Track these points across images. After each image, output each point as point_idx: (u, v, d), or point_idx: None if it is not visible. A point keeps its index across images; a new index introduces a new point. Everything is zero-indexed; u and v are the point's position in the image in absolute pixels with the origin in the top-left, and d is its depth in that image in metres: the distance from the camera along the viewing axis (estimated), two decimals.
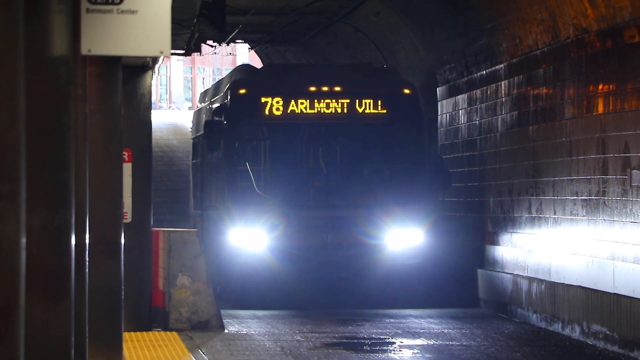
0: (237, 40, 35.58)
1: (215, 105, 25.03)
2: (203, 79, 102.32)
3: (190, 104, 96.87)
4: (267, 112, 22.71)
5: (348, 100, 22.90)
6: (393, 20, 30.21)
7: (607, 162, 19.60)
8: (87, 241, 11.75)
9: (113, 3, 9.61)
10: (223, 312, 21.11)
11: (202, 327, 20.50)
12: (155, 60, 19.91)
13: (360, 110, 22.97)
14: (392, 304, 22.81)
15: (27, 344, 4.90)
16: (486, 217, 25.86)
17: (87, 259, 11.67)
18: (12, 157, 4.71)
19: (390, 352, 18.93)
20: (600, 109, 19.79)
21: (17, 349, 4.78)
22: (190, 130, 34.69)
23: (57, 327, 8.29)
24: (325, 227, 22.30)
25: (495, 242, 25.25)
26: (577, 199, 20.74)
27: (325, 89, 23.02)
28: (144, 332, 19.34)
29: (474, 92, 26.85)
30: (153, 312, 20.39)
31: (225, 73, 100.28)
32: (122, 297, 16.81)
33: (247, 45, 36.83)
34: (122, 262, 16.94)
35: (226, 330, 20.89)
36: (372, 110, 23.04)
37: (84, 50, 9.67)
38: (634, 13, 17.82)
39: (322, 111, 22.85)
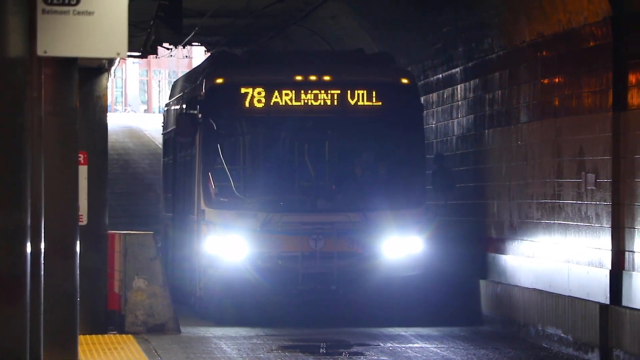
0: (193, 43, 35.00)
1: (188, 97, 22.79)
2: (159, 81, 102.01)
3: (145, 107, 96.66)
4: (247, 104, 20.42)
5: (339, 91, 20.57)
6: (350, 24, 29.69)
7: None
8: (42, 244, 11.66)
9: (69, 4, 9.56)
10: (196, 329, 20.23)
11: (158, 330, 20.42)
12: (111, 62, 19.85)
13: (352, 102, 20.60)
14: (388, 321, 20.44)
15: None
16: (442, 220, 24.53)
17: (43, 262, 11.57)
18: None
19: None
20: (555, 112, 19.49)
21: None
22: (162, 125, 31.73)
23: (12, 330, 8.25)
24: (314, 233, 19.99)
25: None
26: (532, 202, 20.51)
27: (313, 78, 20.76)
28: (100, 335, 19.26)
29: (431, 95, 26.39)
30: (109, 315, 20.28)
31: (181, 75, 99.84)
32: (78, 300, 16.72)
33: (203, 48, 36.55)
34: (78, 265, 16.85)
35: (183, 333, 20.71)
36: (366, 102, 20.64)
37: (40, 52, 9.63)
38: (588, 18, 17.72)
39: (309, 103, 20.55)
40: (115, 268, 20.76)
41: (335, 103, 20.53)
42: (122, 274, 20.71)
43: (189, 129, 20.55)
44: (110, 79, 21.54)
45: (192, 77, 24.83)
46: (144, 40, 23.47)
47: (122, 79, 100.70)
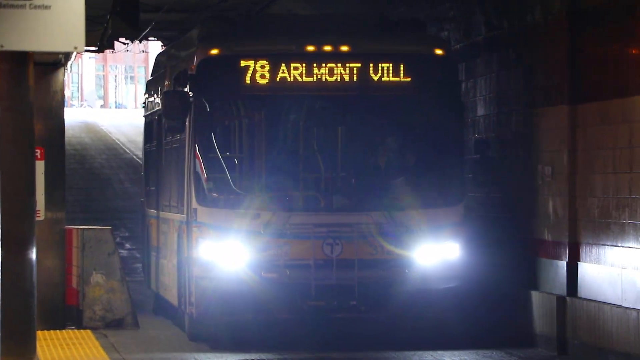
0: (150, 38, 34.33)
1: (177, 71, 18.86)
2: (115, 76, 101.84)
3: (102, 102, 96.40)
4: (248, 79, 16.54)
5: (359, 65, 16.60)
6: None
7: None
8: None
9: None
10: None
11: (116, 325, 20.35)
12: (68, 57, 19.75)
13: (375, 78, 16.59)
14: (420, 344, 16.67)
15: None
16: None
17: None
18: None
19: None
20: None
21: None
22: (143, 105, 26.99)
23: None
24: (329, 237, 16.14)
25: None
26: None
27: (327, 48, 16.76)
28: (58, 331, 19.17)
29: None
30: (67, 310, 20.19)
31: (137, 71, 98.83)
32: (35, 295, 16.63)
33: (159, 43, 36.28)
34: (35, 261, 16.75)
35: (141, 328, 20.62)
36: (392, 78, 16.57)
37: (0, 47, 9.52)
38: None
39: (323, 79, 16.57)
40: (73, 263, 20.69)
41: (355, 79, 16.75)
42: (80, 269, 20.63)
43: (178, 110, 16.93)
44: (66, 73, 21.43)
45: (181, 47, 20.87)
46: (100, 35, 23.14)
47: (78, 74, 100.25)
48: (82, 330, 19.72)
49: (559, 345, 16.98)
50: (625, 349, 14.90)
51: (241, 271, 16.35)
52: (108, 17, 21.82)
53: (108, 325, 20.29)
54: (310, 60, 16.78)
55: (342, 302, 16.35)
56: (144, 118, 26.57)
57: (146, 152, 25.31)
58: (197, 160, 16.68)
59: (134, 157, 51.04)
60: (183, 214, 17.71)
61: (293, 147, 17.11)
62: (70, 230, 20.93)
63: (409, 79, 16.91)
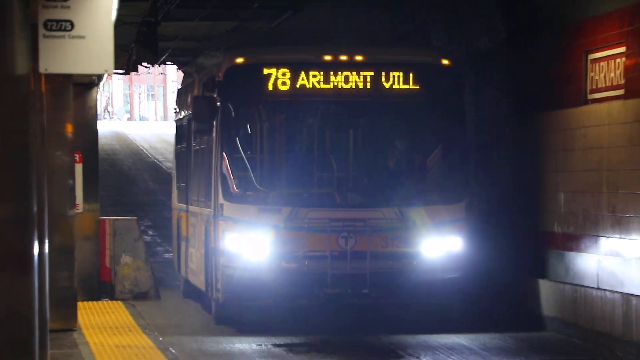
0: (167, 62, 34.01)
1: (205, 78, 17.67)
2: (139, 94, 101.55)
3: (129, 115, 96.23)
4: (270, 86, 15.45)
5: (372, 73, 15.50)
6: None
7: None
8: (45, 228, 11.63)
9: (65, 30, 9.50)
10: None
11: (142, 297, 20.51)
12: (100, 78, 19.79)
13: (387, 85, 15.54)
14: (426, 327, 15.69)
15: (4, 311, 4.82)
16: None
17: (47, 241, 11.52)
18: None
19: None
20: None
21: None
22: (174, 111, 25.40)
23: (22, 297, 8.23)
24: (344, 231, 15.15)
25: None
26: None
27: (343, 58, 15.65)
28: (95, 302, 19.25)
29: None
30: (101, 285, 20.28)
31: (157, 90, 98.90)
32: (75, 272, 16.77)
33: (175, 67, 36.09)
34: (75, 246, 16.93)
35: (162, 300, 20.83)
36: (402, 86, 15.55)
37: (41, 70, 9.59)
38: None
39: (339, 86, 15.47)
40: (106, 247, 20.76)
41: (368, 86, 15.61)
42: (111, 251, 20.76)
43: (206, 114, 15.79)
44: (99, 92, 21.46)
45: (209, 57, 20.08)
46: (126, 60, 23.18)
47: (108, 92, 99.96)
48: (114, 301, 19.80)
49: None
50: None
51: (263, 261, 15.35)
52: (133, 45, 21.86)
53: (135, 297, 20.40)
54: (328, 68, 15.67)
55: (355, 290, 15.33)
56: (175, 122, 25.49)
57: (177, 153, 23.93)
58: (223, 160, 15.69)
59: (155, 160, 50.97)
60: (210, 208, 16.61)
61: (311, 148, 16.06)
62: (104, 220, 21.02)
63: (417, 87, 15.86)
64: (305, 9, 20.94)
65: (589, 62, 16.23)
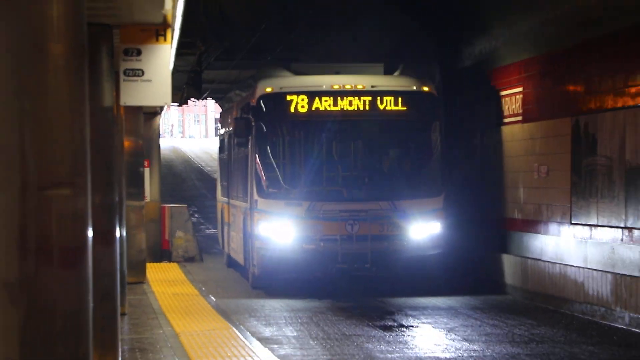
0: (207, 98, 34.12)
1: (243, 103, 16.94)
2: (188, 120, 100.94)
3: (181, 134, 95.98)
4: (292, 109, 14.91)
5: (370, 98, 14.98)
6: None
7: None
8: (124, 212, 11.68)
9: (138, 75, 9.52)
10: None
11: (190, 260, 20.61)
12: (161, 108, 19.92)
13: (381, 107, 14.95)
14: (414, 292, 15.13)
15: (94, 270, 4.87)
16: None
17: (125, 222, 11.56)
18: (83, 164, 4.66)
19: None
20: None
21: (88, 274, 4.75)
22: (217, 128, 24.74)
23: (109, 261, 8.26)
24: (350, 219, 14.54)
25: None
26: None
27: (348, 87, 15.05)
28: (158, 263, 19.39)
29: None
30: (163, 252, 20.42)
31: (200, 117, 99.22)
32: (144, 243, 16.88)
33: (213, 100, 36.17)
34: (144, 224, 17.05)
35: (204, 262, 20.91)
36: (393, 107, 14.96)
37: (121, 103, 9.64)
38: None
39: (345, 108, 14.93)
40: (166, 226, 20.86)
41: (367, 108, 14.99)
42: (169, 229, 20.86)
43: (244, 130, 15.13)
44: (160, 118, 21.58)
45: (244, 87, 18.83)
46: (180, 96, 23.28)
47: (167, 118, 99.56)
48: (171, 263, 19.91)
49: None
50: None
51: (288, 244, 14.59)
52: (184, 86, 21.96)
53: (185, 260, 20.50)
54: (336, 95, 14.95)
55: (359, 265, 14.53)
56: (218, 137, 24.08)
57: (219, 160, 22.72)
58: (257, 165, 15.02)
59: (199, 166, 51.04)
60: (247, 203, 15.81)
61: (324, 156, 15.16)
62: (164, 207, 21.08)
63: (404, 108, 15.08)
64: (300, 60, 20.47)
65: (501, 97, 16.42)
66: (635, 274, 12.17)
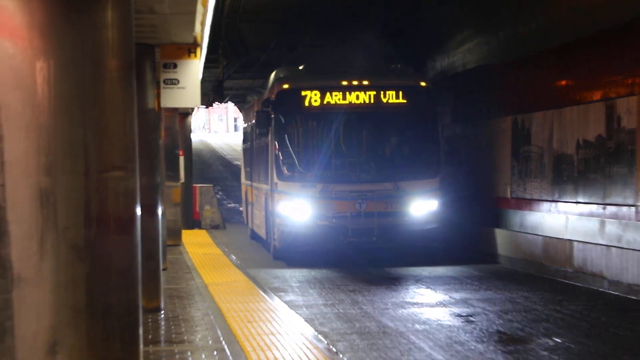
0: (228, 101, 33.98)
1: (263, 99, 15.24)
2: (213, 119, 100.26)
3: (208, 130, 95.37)
4: (306, 103, 13.54)
5: (374, 92, 13.61)
6: None
7: None
8: (163, 190, 11.64)
9: (174, 84, 9.44)
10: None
11: (215, 228, 20.66)
12: (192, 109, 19.84)
13: (384, 100, 13.59)
14: (415, 262, 13.72)
15: (141, 235, 4.85)
16: None
17: (164, 198, 11.51)
18: (132, 152, 4.43)
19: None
20: None
21: (137, 238, 4.55)
22: (243, 121, 22.23)
23: (153, 229, 8.24)
24: (359, 199, 13.18)
25: None
26: None
27: (355, 82, 13.61)
28: (190, 230, 19.39)
29: None
30: (194, 221, 20.43)
31: (222, 116, 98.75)
32: (180, 214, 16.87)
33: (232, 103, 36.03)
34: (181, 201, 17.04)
35: (227, 229, 20.80)
36: (394, 100, 13.60)
37: (162, 105, 9.60)
38: None
39: (353, 101, 13.54)
40: (196, 201, 20.86)
41: (372, 101, 13.60)
42: (199, 203, 20.86)
43: (264, 122, 13.76)
44: (192, 116, 21.54)
45: (264, 85, 17.09)
46: (207, 100, 23.22)
47: (196, 116, 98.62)
48: (200, 230, 19.94)
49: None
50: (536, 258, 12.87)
51: (305, 220, 13.26)
52: (210, 92, 21.92)
53: (212, 228, 20.53)
54: (344, 90, 13.54)
55: (367, 238, 13.23)
56: (242, 129, 22.14)
57: (243, 150, 20.88)
58: (276, 153, 13.57)
59: (222, 155, 50.90)
60: (268, 185, 14.39)
61: (335, 143, 13.66)
62: (195, 187, 21.08)
63: (405, 101, 13.63)
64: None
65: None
66: (559, 236, 12.16)
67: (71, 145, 4.37)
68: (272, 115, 13.74)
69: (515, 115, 13.74)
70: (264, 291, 9.91)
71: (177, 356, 6.12)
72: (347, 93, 13.62)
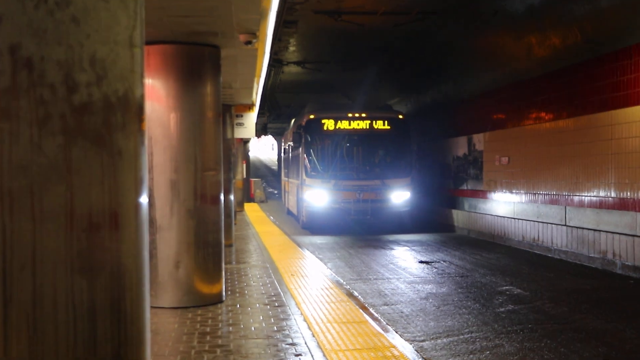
0: (269, 134, 32.25)
1: (296, 124, 13.44)
2: (261, 143, 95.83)
3: (258, 150, 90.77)
4: (325, 127, 11.86)
5: (370, 121, 11.91)
6: None
7: None
8: (232, 184, 11.00)
9: (241, 125, 9.25)
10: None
11: (262, 202, 19.31)
12: (250, 139, 19.26)
13: (376, 126, 11.86)
14: (394, 231, 11.49)
15: (224, 205, 4.78)
16: None
17: (233, 190, 10.97)
18: (219, 161, 4.28)
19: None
20: None
21: (221, 207, 4.43)
22: (283, 141, 18.47)
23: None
24: (359, 190, 11.35)
25: None
26: None
27: (357, 115, 11.91)
28: (248, 203, 18.32)
29: None
30: (250, 198, 19.19)
31: (266, 142, 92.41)
32: (242, 195, 16.37)
33: (271, 136, 34.65)
34: (242, 186, 16.62)
35: (268, 203, 19.21)
36: (382, 127, 11.88)
37: (235, 136, 9.27)
38: None
39: (355, 127, 11.86)
40: (252, 187, 20.40)
41: (367, 127, 11.87)
42: (253, 189, 20.31)
43: (298, 139, 12.03)
44: (250, 142, 20.93)
45: (298, 116, 14.85)
46: (258, 134, 21.70)
47: (252, 142, 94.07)
48: (253, 203, 18.83)
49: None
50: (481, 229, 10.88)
51: (323, 204, 11.46)
52: (260, 130, 21.19)
53: (260, 202, 19.37)
54: (350, 119, 11.85)
55: (364, 216, 11.43)
56: (279, 148, 20.95)
57: (278, 159, 19.74)
58: (304, 160, 11.86)
59: (266, 163, 48.58)
60: (299, 180, 12.55)
61: (343, 154, 11.89)
62: (251, 180, 20.47)
63: (389, 127, 11.86)
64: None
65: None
66: (466, 210, 11.05)
67: (187, 157, 4.55)
68: (303, 135, 12.43)
69: (449, 138, 12.52)
70: (295, 240, 9.12)
71: (242, 270, 6.20)
72: (351, 121, 12.34)
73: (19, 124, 0.75)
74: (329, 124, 12.39)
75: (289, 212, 16.20)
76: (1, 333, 0.75)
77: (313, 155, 12.44)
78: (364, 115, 12.50)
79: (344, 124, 12.41)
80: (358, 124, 12.46)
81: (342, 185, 12.16)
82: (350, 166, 12.50)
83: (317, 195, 12.16)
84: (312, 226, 12.69)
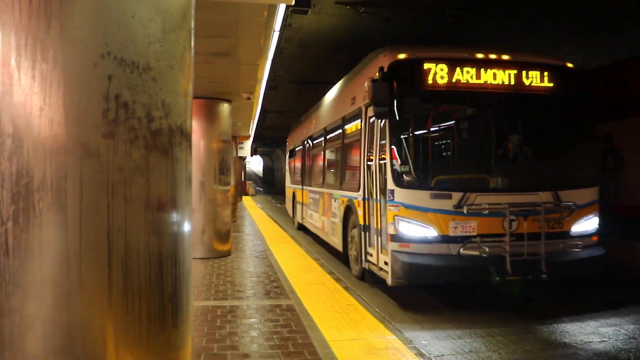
0: (258, 154, 28.86)
1: (358, 79, 2.51)
2: (253, 159, 74.22)
3: (250, 163, 59.72)
4: (432, 80, 1.71)
5: (516, 71, 1.75)
6: None
7: None
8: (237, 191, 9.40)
9: (241, 148, 8.62)
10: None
11: (254, 195, 15.43)
12: (246, 157, 16.13)
13: (527, 83, 1.71)
14: (587, 309, 1.91)
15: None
16: None
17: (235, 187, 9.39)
18: (230, 170, 4.01)
19: None
20: None
21: (230, 196, 4.31)
22: (287, 145, 7.29)
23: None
24: (512, 214, 1.63)
25: None
26: None
27: (492, 56, 1.75)
28: (245, 196, 15.11)
29: None
30: (246, 193, 15.43)
31: (257, 159, 51.85)
32: (239, 191, 12.78)
33: (259, 155, 31.72)
34: (241, 187, 13.23)
35: (256, 195, 16.02)
36: (544, 84, 1.69)
37: (238, 155, 8.98)
38: None
39: (492, 82, 1.72)
40: (247, 186, 15.89)
41: (513, 82, 1.90)
42: (248, 187, 16.24)
43: (357, 115, 2.65)
44: (246, 159, 19.26)
45: (352, 70, 3.34)
46: (251, 153, 17.78)
47: (248, 158, 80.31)
48: (248, 196, 15.52)
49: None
50: None
51: (438, 245, 2.26)
52: (253, 151, 18.66)
53: (251, 195, 15.78)
54: (481, 64, 2.24)
55: (529, 274, 2.23)
56: (288, 151, 7.17)
57: (288, 163, 7.02)
58: (392, 150, 2.26)
59: (255, 173, 37.76)
60: (361, 192, 2.96)
61: (477, 139, 2.27)
62: (246, 182, 15.81)
63: (551, 84, 2.23)
64: None
65: None
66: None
67: (210, 167, 4.78)
68: (385, 92, 2.25)
69: None
70: (274, 218, 6.96)
71: (242, 236, 6.33)
72: (486, 69, 2.36)
73: (118, 141, 0.86)
74: (441, 72, 2.44)
75: (301, 228, 6.44)
76: (106, 269, 0.83)
77: (410, 140, 2.45)
78: (506, 57, 2.62)
79: (470, 74, 2.50)
80: (497, 77, 2.48)
81: (475, 201, 2.51)
82: (491, 163, 2.58)
83: (426, 224, 2.52)
84: (405, 290, 2.98)
